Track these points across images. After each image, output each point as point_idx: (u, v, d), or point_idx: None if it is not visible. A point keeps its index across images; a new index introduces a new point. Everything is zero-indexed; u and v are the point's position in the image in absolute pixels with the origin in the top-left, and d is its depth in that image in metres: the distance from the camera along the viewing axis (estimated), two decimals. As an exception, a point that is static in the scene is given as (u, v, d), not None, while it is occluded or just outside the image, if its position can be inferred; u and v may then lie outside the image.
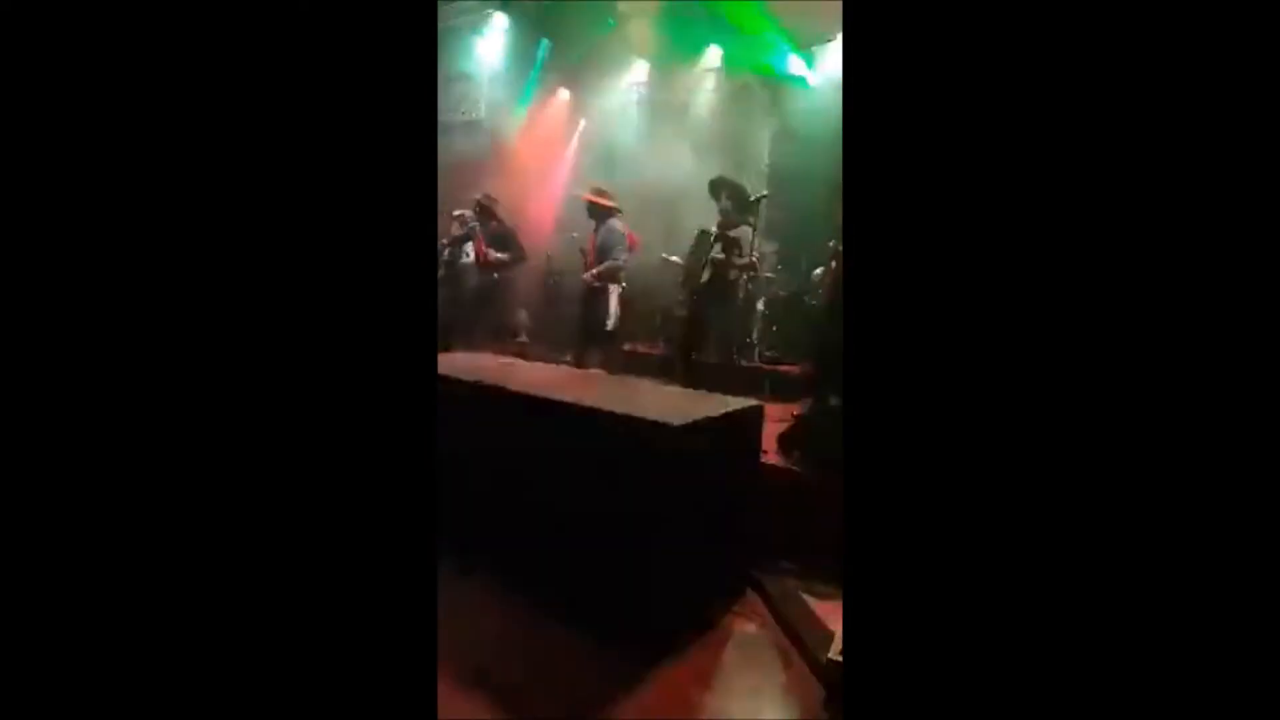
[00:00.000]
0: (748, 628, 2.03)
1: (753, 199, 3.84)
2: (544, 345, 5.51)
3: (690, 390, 2.91)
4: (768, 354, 5.04)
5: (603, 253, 4.30)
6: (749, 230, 3.93)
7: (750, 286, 4.90)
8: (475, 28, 7.40)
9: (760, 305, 5.15)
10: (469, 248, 5.14)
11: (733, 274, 3.98)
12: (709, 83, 6.69)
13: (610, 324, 4.31)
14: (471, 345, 4.97)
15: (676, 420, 1.76)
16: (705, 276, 3.98)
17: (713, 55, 6.57)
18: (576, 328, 4.59)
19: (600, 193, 4.37)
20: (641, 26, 6.77)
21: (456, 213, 5.14)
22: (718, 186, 4.11)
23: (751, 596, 2.19)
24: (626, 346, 5.31)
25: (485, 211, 5.11)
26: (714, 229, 4.08)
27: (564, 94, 7.62)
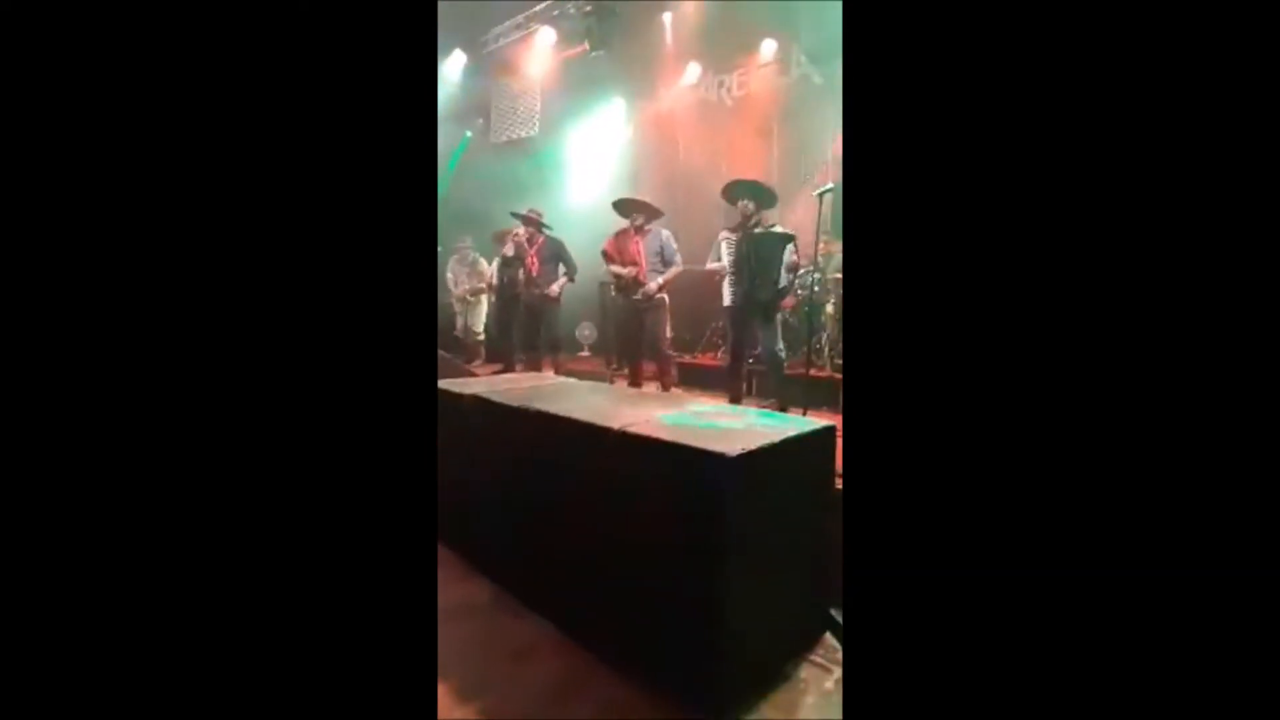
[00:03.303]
0: (826, 681, 1.78)
1: (817, 193, 3.51)
2: (602, 359, 5.38)
3: (749, 410, 2.66)
4: (839, 361, 4.70)
5: (660, 261, 4.13)
6: (779, 228, 3.65)
7: (816, 288, 4.59)
8: (525, 44, 7.42)
9: (829, 308, 4.81)
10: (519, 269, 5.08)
11: (774, 274, 3.60)
12: (765, 78, 6.40)
13: (668, 336, 4.14)
14: (532, 364, 4.91)
15: (733, 450, 1.55)
16: (745, 283, 3.66)
17: (768, 49, 6.28)
18: (623, 339, 4.43)
19: (642, 204, 4.22)
20: (693, 26, 6.58)
21: (511, 233, 5.09)
22: (735, 190, 3.79)
23: (830, 641, 1.94)
24: (682, 358, 5.12)
25: (532, 224, 5.02)
26: (730, 233, 3.78)
27: (618, 101, 7.53)
